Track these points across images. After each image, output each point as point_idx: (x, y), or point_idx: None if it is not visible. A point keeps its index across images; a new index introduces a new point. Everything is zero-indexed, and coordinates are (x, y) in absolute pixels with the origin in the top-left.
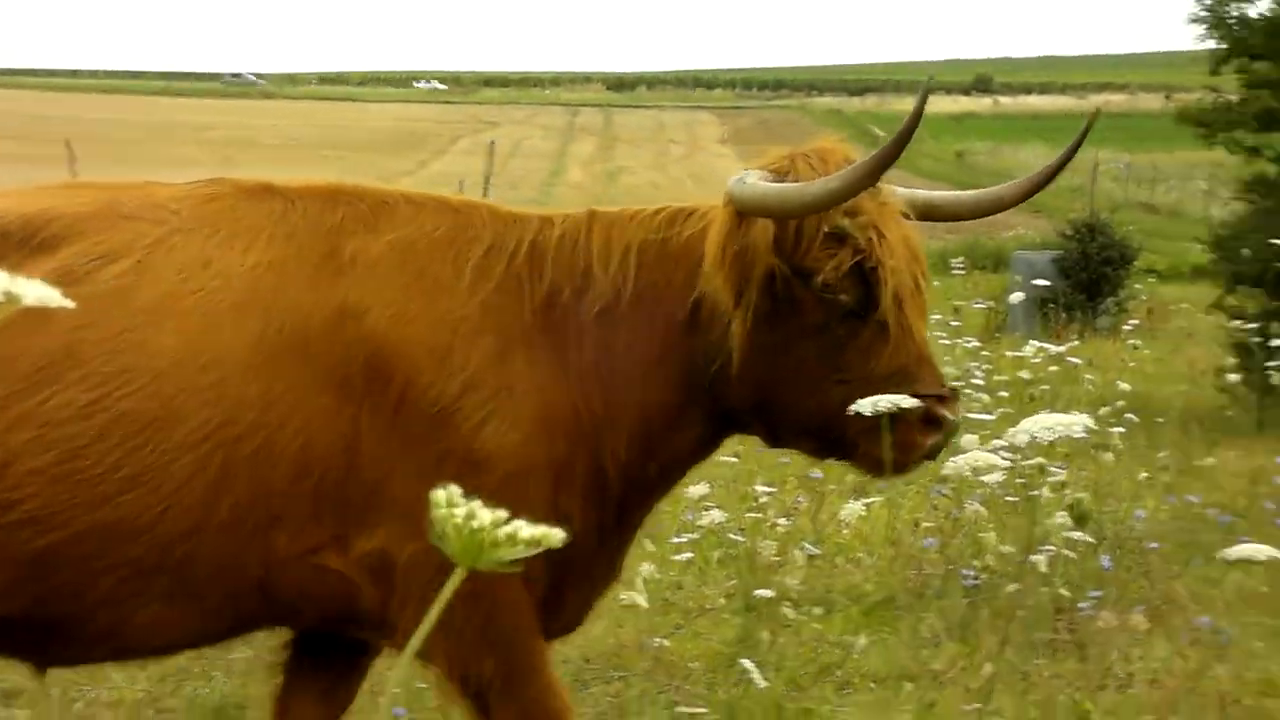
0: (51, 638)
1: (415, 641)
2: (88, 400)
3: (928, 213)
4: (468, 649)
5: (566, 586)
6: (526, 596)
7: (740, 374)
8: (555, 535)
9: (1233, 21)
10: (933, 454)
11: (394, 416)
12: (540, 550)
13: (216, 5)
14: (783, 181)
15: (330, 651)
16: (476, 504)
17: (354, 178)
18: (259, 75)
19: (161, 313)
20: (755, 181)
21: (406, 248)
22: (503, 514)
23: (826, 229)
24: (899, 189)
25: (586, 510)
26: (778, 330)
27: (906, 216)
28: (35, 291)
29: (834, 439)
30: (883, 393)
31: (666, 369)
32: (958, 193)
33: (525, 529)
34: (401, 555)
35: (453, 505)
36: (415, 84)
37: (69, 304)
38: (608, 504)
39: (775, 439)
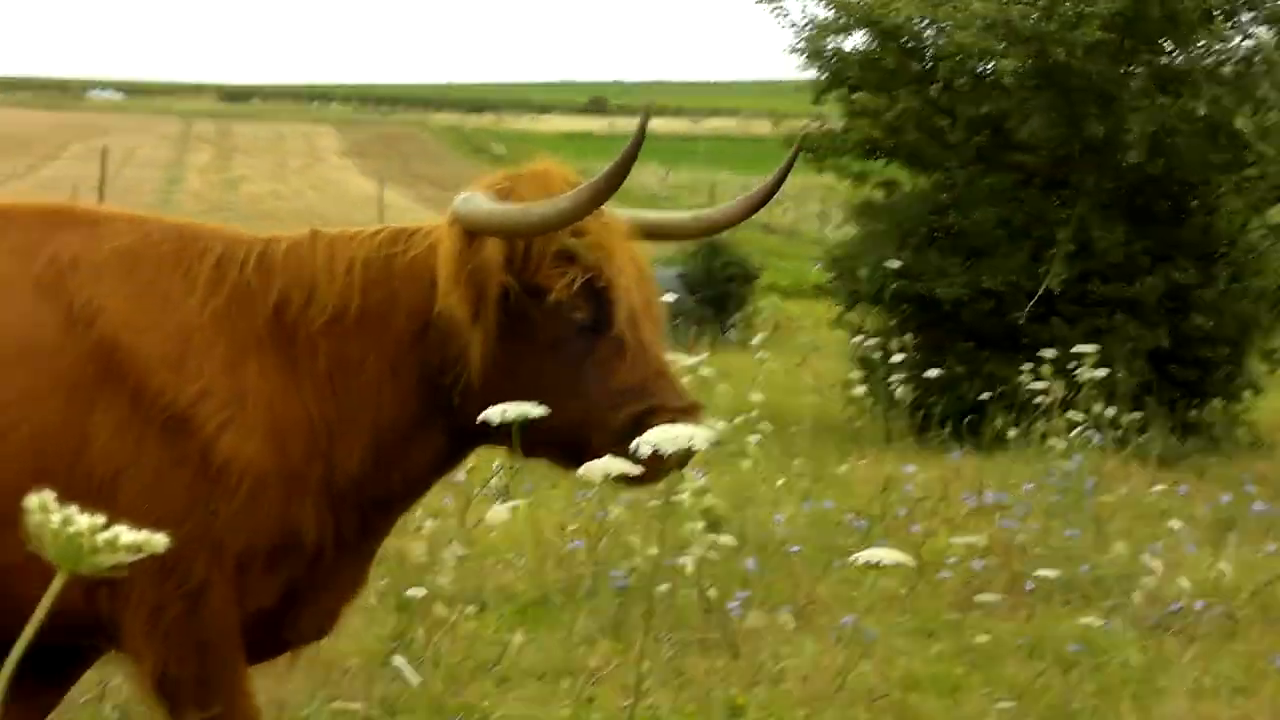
0: None
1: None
2: None
3: (650, 233)
4: (173, 650)
5: (305, 595)
6: (233, 605)
7: (479, 390)
8: (157, 541)
9: (830, 54)
10: (681, 464)
11: (128, 417)
12: (142, 555)
13: None
14: (505, 203)
15: (45, 665)
16: (73, 509)
17: None
18: None
19: None
20: (481, 201)
21: (134, 260)
22: (100, 520)
23: (555, 249)
24: (620, 211)
25: (322, 519)
26: (513, 347)
27: (632, 237)
28: None
29: (579, 450)
30: (623, 407)
31: (398, 384)
32: (678, 214)
33: (125, 535)
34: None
35: (47, 510)
36: (89, 93)
37: None
38: (345, 514)
39: (522, 451)
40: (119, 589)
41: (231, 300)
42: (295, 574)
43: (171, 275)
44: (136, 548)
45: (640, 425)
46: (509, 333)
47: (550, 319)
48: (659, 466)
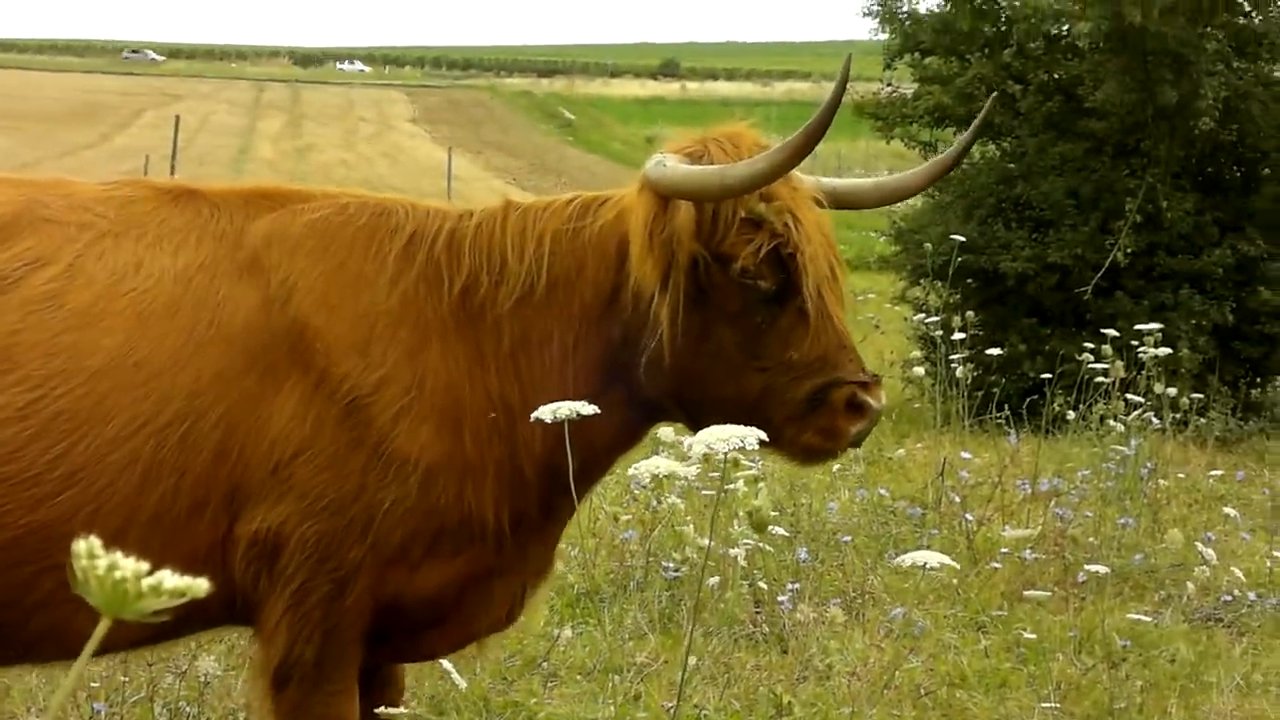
0: None
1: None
2: (25, 402)
3: (834, 199)
4: (306, 632)
5: (490, 580)
6: (369, 601)
7: (663, 362)
8: (200, 586)
9: (903, 17)
10: (858, 440)
11: (310, 397)
12: (190, 595)
13: None
14: (699, 164)
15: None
16: (118, 555)
17: (33, 150)
18: None
19: (95, 314)
20: (675, 165)
21: (328, 237)
22: (144, 566)
23: (743, 214)
24: (806, 176)
25: (500, 506)
26: (697, 317)
27: (819, 203)
28: None
29: (756, 423)
30: (804, 380)
31: (582, 358)
32: (863, 180)
33: (169, 580)
34: (293, 536)
35: (94, 556)
36: (125, 55)
37: None
38: (528, 497)
39: (697, 425)
40: (273, 569)
41: (419, 281)
42: (476, 559)
43: (363, 254)
44: (180, 593)
45: (821, 398)
46: (694, 302)
47: (736, 287)
48: (841, 442)
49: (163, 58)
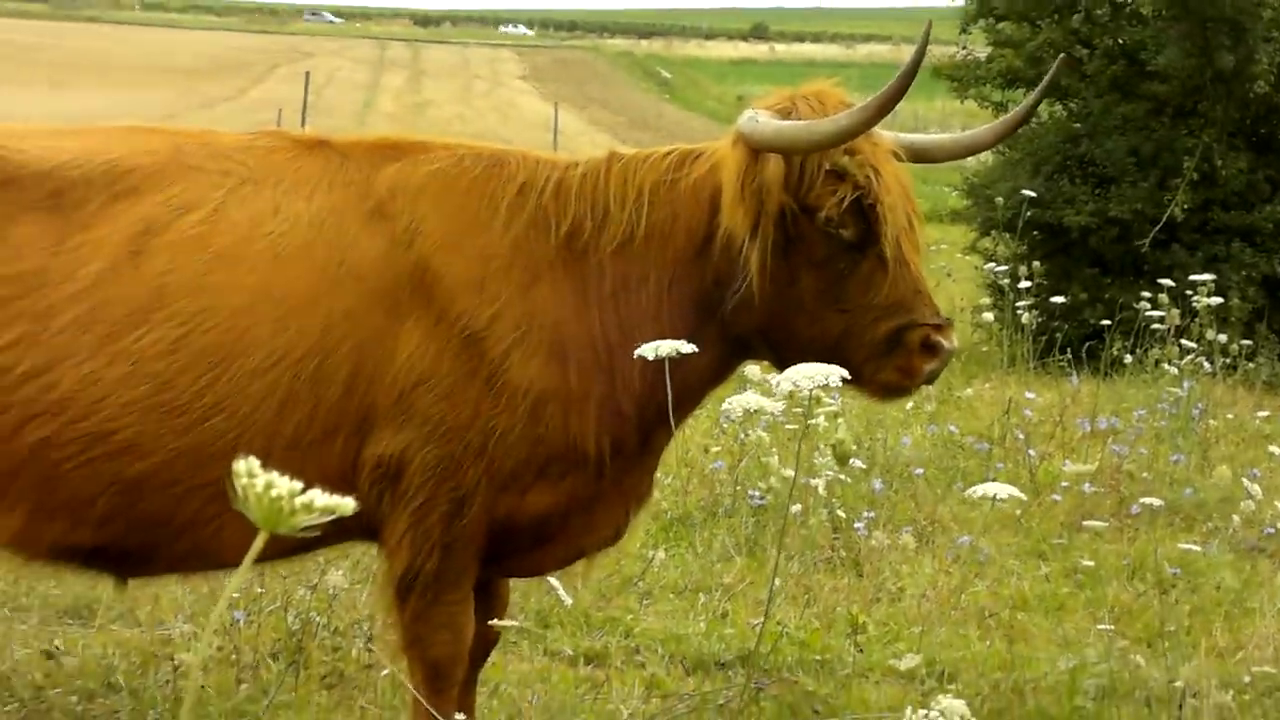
0: (142, 559)
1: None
2: (174, 337)
3: (914, 153)
4: (426, 546)
5: (593, 503)
6: (486, 514)
7: (752, 304)
8: (346, 504)
9: None
10: (931, 378)
11: (431, 331)
12: (335, 513)
13: None
14: (788, 120)
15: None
16: (274, 475)
17: (177, 103)
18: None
19: (237, 256)
20: (765, 120)
21: (448, 185)
22: (298, 485)
23: (828, 167)
24: (886, 132)
25: (600, 434)
26: (784, 263)
27: (898, 157)
28: None
29: (838, 361)
30: (882, 322)
31: (677, 300)
32: (938, 136)
33: (320, 499)
34: (415, 459)
35: (253, 475)
36: (307, 17)
37: None
38: (626, 428)
39: (782, 364)
40: (399, 489)
41: (530, 226)
42: (579, 484)
43: (479, 201)
44: (329, 510)
45: (898, 339)
46: (781, 249)
47: (820, 236)
48: (916, 379)
49: (340, 20)
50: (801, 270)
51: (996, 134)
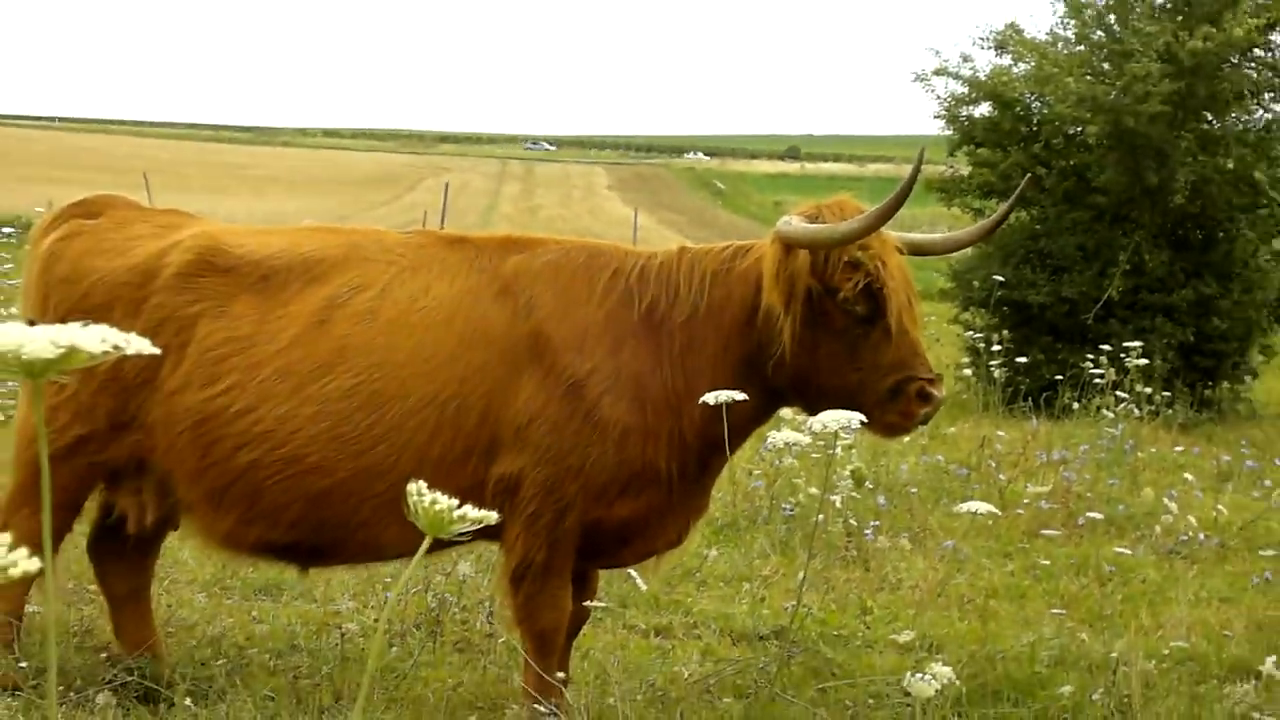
0: (325, 553)
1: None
2: (351, 385)
3: (912, 248)
4: (536, 543)
5: (663, 514)
6: (580, 524)
7: (786, 363)
8: (490, 516)
9: (963, 119)
10: (925, 420)
11: (543, 381)
12: (481, 523)
13: (255, 66)
14: (815, 223)
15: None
16: (438, 494)
17: (350, 205)
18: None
19: (399, 324)
20: (797, 223)
21: (558, 270)
22: (455, 501)
23: (846, 259)
24: (891, 232)
25: (670, 460)
26: (812, 332)
27: (900, 251)
28: (136, 344)
29: (851, 406)
30: (888, 376)
31: (729, 358)
32: (931, 235)
33: (472, 512)
34: (529, 477)
35: (422, 494)
36: (526, 146)
37: (155, 351)
38: (689, 455)
39: (810, 409)
40: (516, 500)
41: (619, 302)
42: (653, 498)
43: (581, 283)
44: (479, 520)
45: (899, 389)
46: (809, 321)
47: (839, 311)
48: (913, 421)
49: (554, 147)
50: (824, 337)
51: (976, 235)
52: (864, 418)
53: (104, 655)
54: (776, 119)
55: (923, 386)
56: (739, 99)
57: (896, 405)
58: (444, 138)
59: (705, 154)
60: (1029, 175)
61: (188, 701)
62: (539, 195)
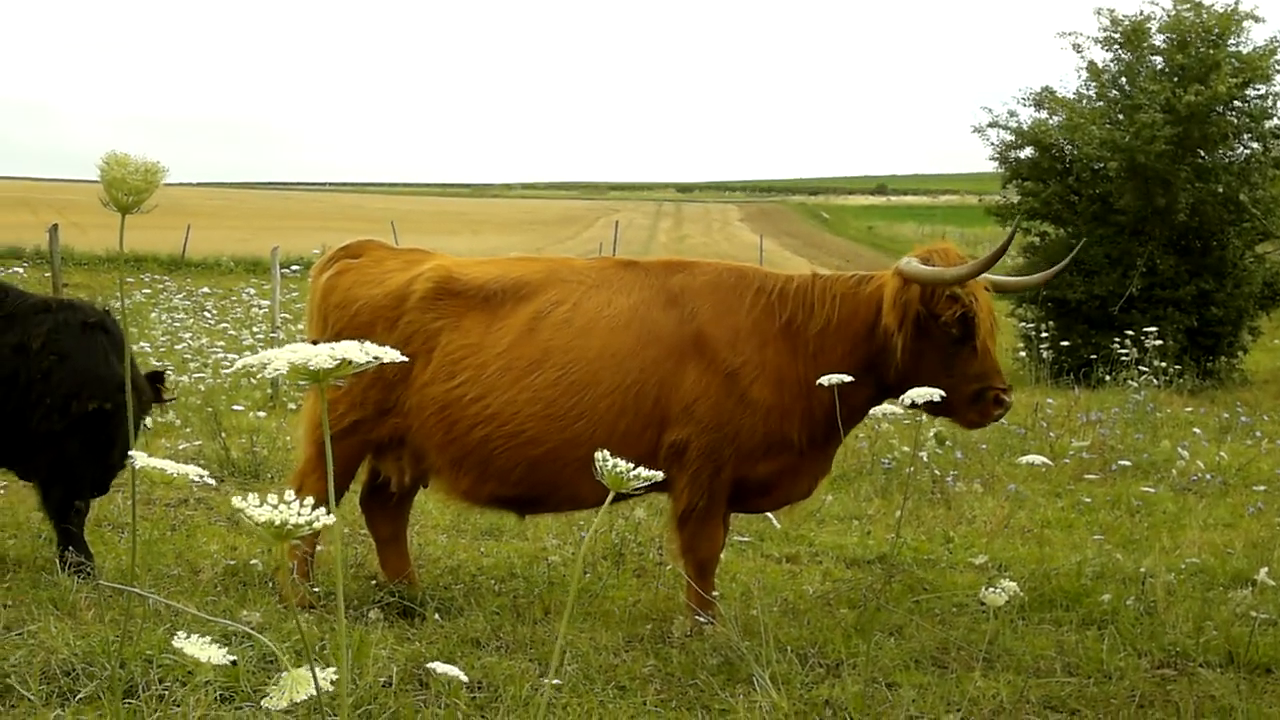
0: (538, 504)
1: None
2: (555, 377)
3: (996, 288)
4: (698, 493)
5: (795, 473)
6: (732, 479)
7: (897, 368)
8: (657, 475)
9: (1012, 160)
10: (997, 419)
11: (704, 371)
12: (650, 481)
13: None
14: (927, 265)
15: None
16: (619, 459)
17: (543, 240)
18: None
19: (590, 330)
20: (914, 264)
21: (714, 286)
22: (631, 464)
23: (948, 293)
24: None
25: (801, 433)
26: (917, 346)
27: (987, 289)
28: (390, 355)
29: (945, 407)
30: (972, 384)
31: (850, 361)
32: (1007, 277)
33: (645, 472)
34: (693, 443)
35: (606, 460)
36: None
37: (402, 358)
38: (816, 430)
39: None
40: (683, 461)
41: (763, 313)
42: (788, 460)
43: (733, 296)
44: (649, 479)
45: (981, 395)
46: (916, 337)
47: (940, 332)
48: (989, 420)
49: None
50: (926, 350)
51: (1039, 282)
52: (950, 413)
53: (373, 582)
54: (867, 162)
55: (999, 394)
56: (837, 147)
57: (977, 407)
58: (613, 186)
59: (811, 193)
60: (1082, 241)
61: (436, 616)
62: (686, 228)
